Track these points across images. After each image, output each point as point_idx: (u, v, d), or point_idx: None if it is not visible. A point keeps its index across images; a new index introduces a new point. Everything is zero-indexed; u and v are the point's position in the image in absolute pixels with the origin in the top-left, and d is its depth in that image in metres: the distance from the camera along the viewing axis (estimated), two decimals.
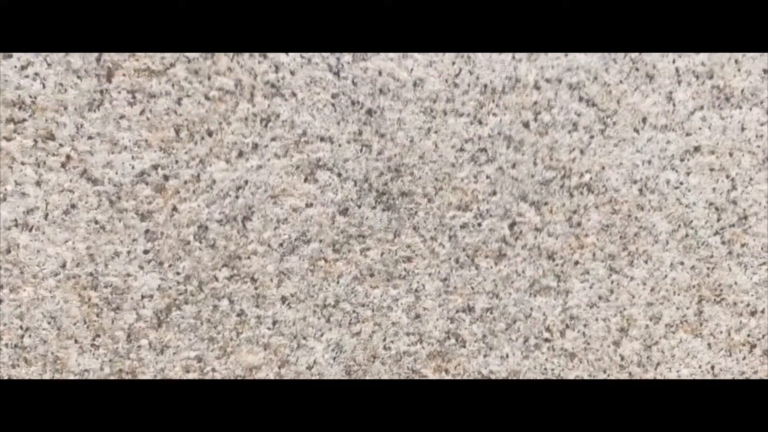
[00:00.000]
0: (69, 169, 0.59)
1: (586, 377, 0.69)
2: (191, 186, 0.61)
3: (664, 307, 0.68)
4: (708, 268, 0.68)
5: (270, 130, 0.61)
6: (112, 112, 0.59)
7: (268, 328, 0.64)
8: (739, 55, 0.66)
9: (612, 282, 0.67)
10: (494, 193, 0.65)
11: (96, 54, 0.58)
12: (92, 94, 0.58)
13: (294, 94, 0.61)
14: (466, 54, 0.62)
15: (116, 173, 0.59)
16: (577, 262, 0.67)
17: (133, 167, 0.59)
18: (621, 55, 0.64)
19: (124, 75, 0.58)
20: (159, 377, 0.64)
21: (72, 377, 0.63)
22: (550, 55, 0.63)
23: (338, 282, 0.64)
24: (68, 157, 0.59)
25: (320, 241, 0.63)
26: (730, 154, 0.67)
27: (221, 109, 0.60)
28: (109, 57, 0.58)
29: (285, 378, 0.65)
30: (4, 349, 0.62)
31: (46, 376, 0.62)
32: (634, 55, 0.64)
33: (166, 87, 0.59)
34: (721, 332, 0.69)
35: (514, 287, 0.66)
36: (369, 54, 0.61)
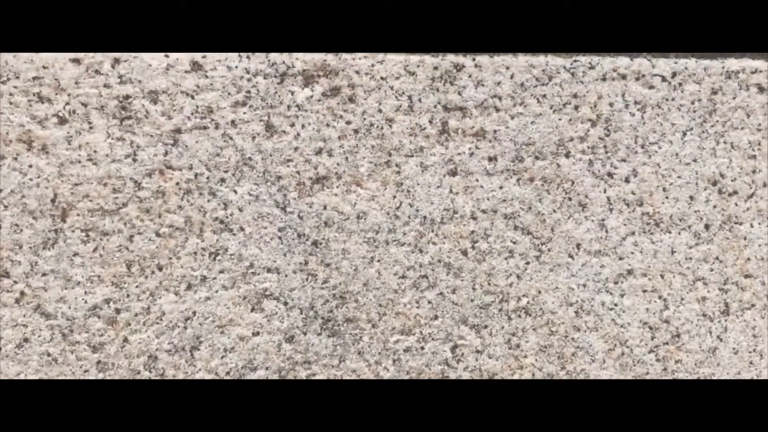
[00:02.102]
0: (23, 305, 0.61)
1: None
2: (142, 318, 0.63)
3: None
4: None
5: (218, 263, 0.64)
6: (66, 250, 0.61)
7: None
8: (666, 183, 0.70)
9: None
10: (436, 317, 0.67)
11: (52, 195, 0.61)
12: (47, 234, 0.61)
13: (242, 229, 0.64)
14: (406, 188, 0.66)
15: (69, 308, 0.62)
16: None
17: (85, 302, 0.62)
18: (554, 185, 0.68)
19: (78, 215, 0.61)
20: None
21: None
22: (486, 187, 0.67)
23: None
24: (22, 293, 0.61)
25: (267, 368, 0.65)
26: (662, 276, 0.70)
27: (171, 245, 0.63)
28: (63, 198, 0.61)
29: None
30: None
31: None
32: (566, 185, 0.68)
33: (118, 225, 0.62)
34: None
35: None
36: (314, 189, 0.65)
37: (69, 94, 0.60)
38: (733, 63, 0.70)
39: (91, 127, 0.61)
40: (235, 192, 0.63)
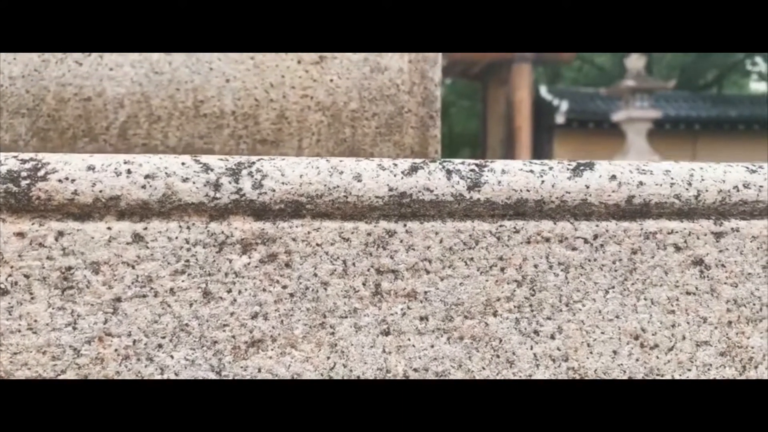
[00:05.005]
0: None
1: None
2: None
3: None
4: None
5: None
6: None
7: None
8: (590, 339, 0.73)
9: None
10: None
11: None
12: None
13: None
14: (340, 348, 0.69)
15: None
16: None
17: None
18: (483, 343, 0.71)
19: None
20: None
21: None
22: (418, 346, 0.70)
23: None
24: None
25: None
26: None
27: None
28: (2, 367, 0.63)
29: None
30: None
31: None
32: (495, 343, 0.71)
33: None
34: None
35: None
36: (249, 352, 0.67)
37: (12, 267, 0.63)
38: (651, 224, 0.75)
39: (32, 298, 0.63)
40: (172, 357, 0.66)
